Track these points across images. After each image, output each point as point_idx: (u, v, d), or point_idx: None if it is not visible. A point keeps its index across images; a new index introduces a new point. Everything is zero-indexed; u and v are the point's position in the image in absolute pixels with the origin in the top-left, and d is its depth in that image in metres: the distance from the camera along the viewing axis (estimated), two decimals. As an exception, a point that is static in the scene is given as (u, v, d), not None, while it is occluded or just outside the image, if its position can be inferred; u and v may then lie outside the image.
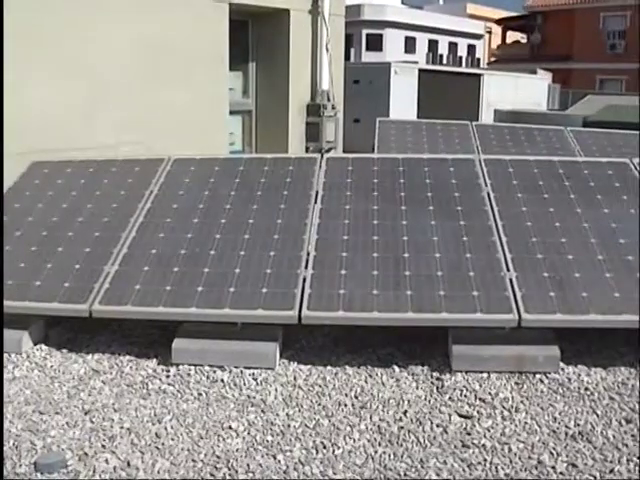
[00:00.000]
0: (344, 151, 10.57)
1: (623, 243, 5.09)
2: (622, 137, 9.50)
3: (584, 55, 41.37)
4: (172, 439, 3.66)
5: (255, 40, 9.99)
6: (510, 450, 3.59)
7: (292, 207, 5.44)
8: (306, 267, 4.80)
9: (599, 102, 17.61)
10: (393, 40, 44.03)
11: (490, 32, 55.18)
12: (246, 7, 9.21)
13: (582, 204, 5.49)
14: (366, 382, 4.33)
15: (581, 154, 8.90)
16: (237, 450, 3.56)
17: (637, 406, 4.07)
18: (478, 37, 51.34)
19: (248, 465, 3.42)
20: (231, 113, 9.29)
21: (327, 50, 10.02)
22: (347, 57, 34.69)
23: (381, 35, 43.66)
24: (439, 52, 46.10)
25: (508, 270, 4.76)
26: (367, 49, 42.86)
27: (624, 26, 41.29)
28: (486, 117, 18.21)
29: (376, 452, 3.56)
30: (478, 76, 19.62)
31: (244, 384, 4.28)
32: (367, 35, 43.24)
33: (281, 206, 5.46)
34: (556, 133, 9.59)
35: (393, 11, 44.25)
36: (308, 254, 4.92)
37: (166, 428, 3.77)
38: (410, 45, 45.46)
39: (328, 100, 10.06)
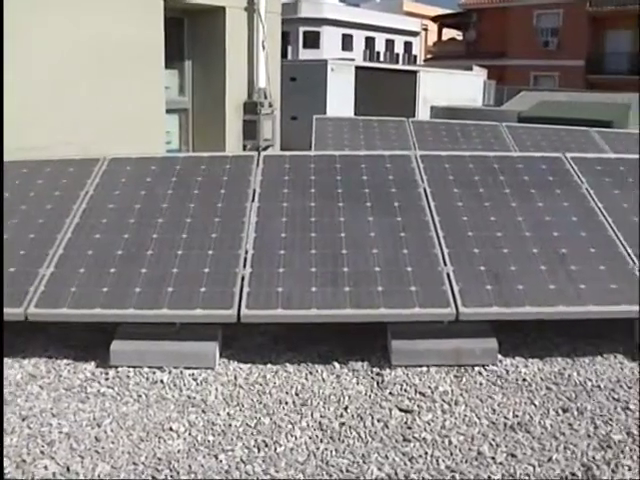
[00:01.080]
0: (282, 149, 10.55)
1: (557, 236, 5.19)
2: (555, 132, 9.66)
3: (518, 52, 42.01)
4: (112, 442, 3.61)
5: (191, 38, 9.90)
6: (450, 443, 3.63)
7: (229, 206, 5.42)
8: (244, 266, 4.78)
9: (533, 98, 17.90)
10: (330, 37, 44.15)
11: (426, 29, 55.69)
12: (181, 4, 9.12)
13: (517, 198, 5.58)
14: (306, 379, 4.33)
15: (516, 149, 9.03)
16: (178, 451, 3.53)
17: (574, 395, 4.16)
18: (414, 34, 51.78)
19: (190, 466, 3.40)
20: (167, 112, 9.19)
21: (263, 48, 9.98)
22: (284, 55, 34.65)
23: (318, 33, 43.74)
24: (376, 49, 46.39)
25: (445, 265, 4.81)
26: (304, 46, 42.90)
27: (557, 23, 42.03)
28: (422, 113, 18.35)
29: (318, 449, 3.57)
30: (414, 73, 19.76)
31: (184, 385, 4.25)
32: (304, 33, 43.29)
33: (218, 205, 5.43)
34: (491, 129, 9.70)
35: (330, 9, 44.37)
36: (246, 253, 4.90)
37: (106, 431, 3.72)
38: (347, 42, 45.63)
39: (265, 98, 10.02)
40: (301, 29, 43.02)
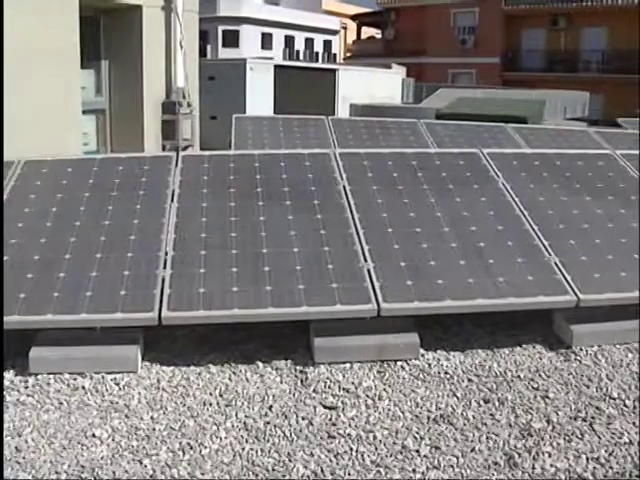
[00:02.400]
0: (201, 148, 10.48)
1: (475, 230, 5.28)
2: (472, 128, 9.82)
3: (436, 50, 42.53)
4: (33, 452, 3.53)
5: (107, 37, 9.75)
6: (375, 437, 3.66)
7: (148, 207, 5.35)
8: (165, 267, 4.73)
9: (451, 95, 18.19)
10: (250, 36, 43.98)
11: (346, 28, 55.96)
12: (97, 3, 8.98)
13: (435, 194, 5.66)
14: (230, 379, 4.31)
15: (434, 145, 9.14)
16: (102, 458, 3.47)
17: (494, 386, 4.23)
18: (334, 33, 51.95)
19: (114, 472, 3.35)
20: (84, 112, 9.04)
21: (181, 47, 9.90)
22: (204, 54, 34.46)
23: (237, 31, 43.53)
24: (296, 48, 46.39)
25: (366, 261, 4.85)
26: (224, 45, 42.65)
27: (474, 22, 42.70)
28: (342, 111, 18.45)
29: (243, 449, 3.55)
30: (333, 71, 19.86)
31: (106, 390, 4.17)
32: (223, 31, 43.03)
33: (137, 206, 5.36)
34: (410, 126, 9.80)
35: (249, 7, 44.20)
36: (166, 254, 4.85)
37: (27, 441, 3.62)
38: (267, 41, 45.53)
39: (183, 97, 9.94)
40: (220, 28, 42.73)
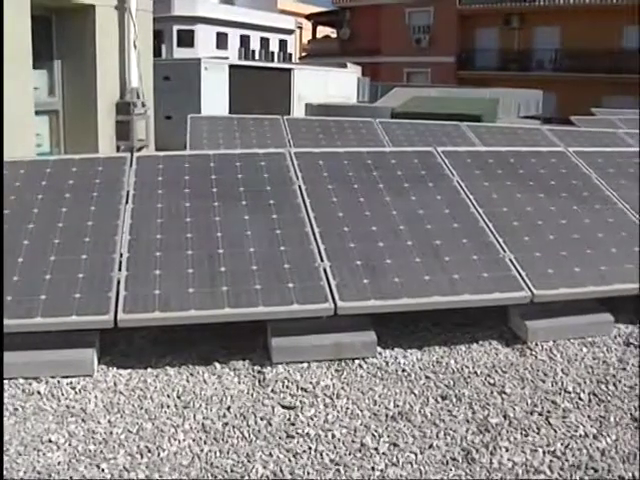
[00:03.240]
0: (156, 149, 10.42)
1: (430, 228, 5.31)
2: (427, 127, 9.88)
3: (392, 49, 42.75)
4: (-13, 459, 3.48)
5: (60, 37, 9.65)
6: (334, 436, 3.66)
7: (102, 208, 5.30)
8: (120, 269, 4.68)
9: (406, 94, 18.28)
10: (205, 36, 43.80)
11: (301, 27, 56.01)
12: (49, 3, 8.87)
13: (390, 193, 5.68)
14: (188, 381, 4.28)
15: (389, 144, 9.18)
16: (59, 463, 3.43)
17: (452, 382, 4.26)
18: (289, 32, 51.93)
19: (71, 477, 3.31)
20: (37, 113, 8.93)
21: (135, 47, 9.83)
22: (158, 53, 34.21)
23: (192, 31, 43.32)
24: (251, 48, 46.28)
25: (322, 260, 4.85)
26: (179, 45, 42.42)
27: (428, 21, 42.98)
28: (298, 111, 18.45)
29: (202, 451, 3.54)
30: (289, 71, 19.85)
31: (62, 394, 4.12)
32: (178, 31, 42.79)
33: (91, 208, 5.30)
34: (365, 125, 9.84)
35: (204, 7, 44.00)
36: (121, 256, 4.80)
37: (-20, 448, 3.58)
38: (222, 41, 45.37)
39: (138, 98, 9.88)
40: (175, 27, 42.49)
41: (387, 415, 3.89)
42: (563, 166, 6.49)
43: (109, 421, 3.83)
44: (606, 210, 5.89)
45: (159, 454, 3.51)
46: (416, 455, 3.50)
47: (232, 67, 17.86)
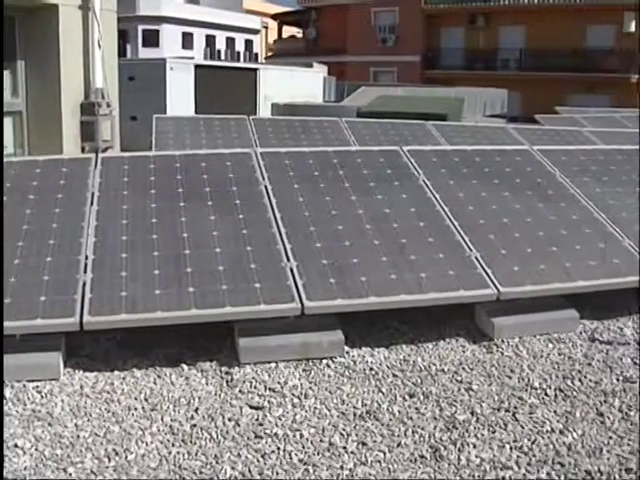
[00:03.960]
0: (122, 150, 10.33)
1: (396, 227, 5.33)
2: (393, 126, 9.91)
3: (358, 49, 42.83)
4: (-49, 466, 3.44)
5: (23, 37, 9.52)
6: (302, 436, 3.66)
7: (67, 210, 5.24)
8: (85, 271, 4.64)
9: (372, 93, 18.35)
10: (170, 36, 43.66)
11: (267, 27, 56.01)
12: (11, 1, 8.76)
13: (356, 192, 5.70)
14: (155, 383, 4.26)
15: (355, 143, 9.21)
16: (25, 468, 3.39)
17: (419, 380, 4.28)
18: (255, 32, 51.91)
19: (37, 482, 3.28)
20: None
21: (99, 46, 9.73)
22: (123, 54, 34.00)
23: (158, 31, 43.14)
24: (217, 47, 46.20)
25: (288, 260, 4.85)
26: (144, 45, 42.24)
27: (394, 21, 43.12)
28: (264, 111, 18.43)
29: (170, 453, 3.52)
30: (255, 70, 19.80)
31: (28, 398, 4.07)
32: (143, 31, 42.61)
33: (56, 210, 5.24)
34: (331, 124, 9.85)
35: (169, 6, 43.85)
36: (87, 258, 4.76)
37: (-56, 455, 3.53)
38: (187, 41, 45.25)
39: (103, 98, 9.77)
40: (140, 27, 42.31)
41: (355, 414, 3.90)
42: (528, 164, 6.54)
43: (76, 425, 3.79)
44: (570, 207, 5.94)
45: (126, 457, 3.49)
46: (384, 454, 3.51)
47: (198, 67, 17.79)
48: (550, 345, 4.84)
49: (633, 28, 36.52)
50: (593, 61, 36.80)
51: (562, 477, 3.32)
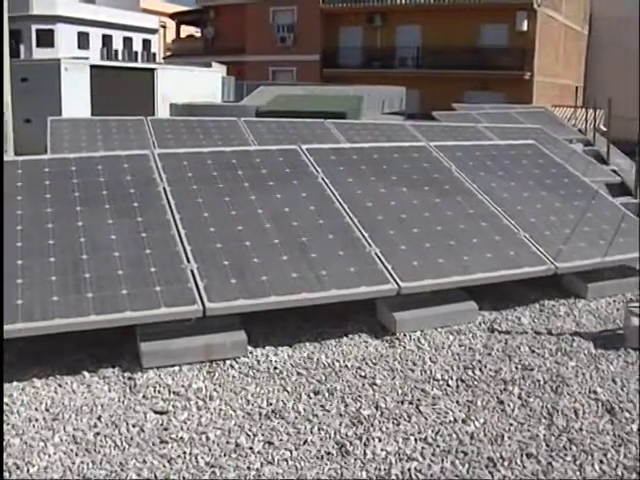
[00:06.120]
0: (15, 154, 10.08)
1: (296, 226, 5.35)
2: (292, 125, 9.94)
3: (257, 48, 42.76)
4: None
5: None
6: (208, 438, 3.64)
7: (-43, 218, 5.08)
8: (-22, 280, 4.50)
9: (271, 92, 18.36)
10: (65, 36, 42.76)
11: (165, 27, 55.39)
12: None
13: (256, 191, 5.69)
14: (56, 392, 4.16)
15: (255, 143, 9.20)
16: None
17: (324, 377, 4.31)
18: (153, 32, 51.29)
19: None
20: None
21: (-12, 48, 9.48)
22: (16, 54, 33.09)
23: (52, 30, 42.19)
24: (114, 47, 45.51)
25: (189, 262, 4.81)
26: (38, 45, 41.24)
27: (292, 20, 43.21)
28: (162, 111, 18.24)
29: (74, 463, 3.44)
30: (152, 71, 19.60)
31: None
32: (37, 31, 41.59)
33: (-56, 218, 5.07)
34: (230, 124, 9.83)
35: (64, 6, 42.92)
36: (-21, 266, 4.62)
37: None
38: (83, 41, 44.41)
39: (-7, 101, 9.52)
40: (33, 27, 41.30)
41: (261, 414, 3.90)
42: (425, 160, 6.66)
43: (-27, 440, 3.68)
44: (467, 202, 6.08)
45: (28, 470, 3.39)
46: (291, 452, 3.52)
47: (94, 67, 17.49)
48: (451, 337, 4.94)
49: (525, 27, 37.59)
50: (488, 59, 37.72)
51: (466, 465, 3.40)
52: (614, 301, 5.69)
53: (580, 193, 6.64)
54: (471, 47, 38.22)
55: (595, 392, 4.12)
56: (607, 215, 6.33)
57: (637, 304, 4.98)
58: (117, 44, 46.73)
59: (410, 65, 40.62)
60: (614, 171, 11.88)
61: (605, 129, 17.04)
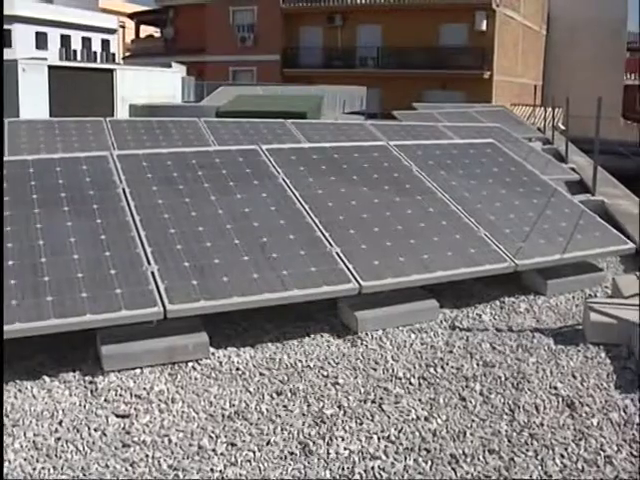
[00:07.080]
0: (-28, 157, 9.94)
1: (257, 226, 5.34)
2: (253, 125, 9.94)
3: (217, 48, 42.67)
4: None
5: None
6: (170, 441, 3.62)
7: None
8: None
9: (231, 93, 18.32)
10: (23, 36, 42.29)
11: (124, 27, 55.03)
12: None
13: (216, 192, 5.67)
14: (16, 398, 4.10)
15: (215, 144, 9.18)
16: None
17: (286, 377, 4.31)
18: (112, 32, 50.94)
19: None
20: None
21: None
22: (-29, 56, 32.50)
23: (9, 30, 41.70)
24: (72, 47, 45.12)
25: (149, 264, 4.77)
26: (-6, 46, 40.64)
27: (252, 20, 43.17)
28: (122, 112, 18.12)
29: (34, 469, 3.40)
30: (111, 71, 19.46)
31: None
32: (-7, 31, 41.04)
33: None
34: (190, 125, 9.80)
35: (22, 5, 42.46)
36: None
37: None
38: (41, 41, 43.98)
39: (-53, 103, 9.38)
40: (-11, 27, 40.74)
41: (223, 415, 3.89)
42: (385, 160, 6.69)
43: None
44: (427, 201, 6.12)
45: (-13, 477, 3.36)
46: (254, 453, 3.52)
47: (52, 68, 17.32)
48: (413, 335, 4.97)
49: (484, 27, 37.94)
50: (448, 58, 38.05)
51: (429, 463, 3.42)
52: (573, 297, 5.76)
53: (539, 191, 6.71)
54: (431, 47, 38.55)
55: (555, 387, 4.16)
56: (566, 212, 6.40)
57: (595, 300, 5.05)
58: (76, 44, 46.34)
59: (371, 65, 40.81)
60: (572, 169, 12.05)
61: (564, 127, 17.29)
